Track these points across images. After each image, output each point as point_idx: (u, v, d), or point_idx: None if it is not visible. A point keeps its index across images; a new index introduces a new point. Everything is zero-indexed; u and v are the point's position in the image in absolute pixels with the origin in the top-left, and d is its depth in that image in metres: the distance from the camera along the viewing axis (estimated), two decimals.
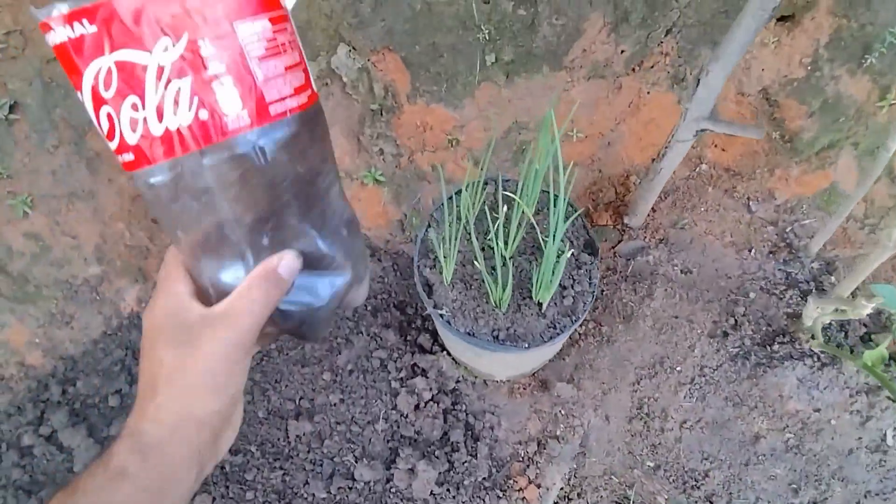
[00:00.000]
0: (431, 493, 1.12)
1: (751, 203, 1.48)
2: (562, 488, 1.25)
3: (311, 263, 0.41)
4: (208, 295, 0.41)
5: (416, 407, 1.22)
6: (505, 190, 1.13)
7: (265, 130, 0.36)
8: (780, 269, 1.35)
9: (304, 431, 1.15)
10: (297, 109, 0.38)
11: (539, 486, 1.17)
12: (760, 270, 1.35)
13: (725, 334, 1.25)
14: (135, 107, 0.34)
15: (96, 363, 1.29)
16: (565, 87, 1.43)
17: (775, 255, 1.38)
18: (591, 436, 1.25)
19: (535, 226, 1.09)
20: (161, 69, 0.33)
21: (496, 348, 1.00)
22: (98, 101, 0.34)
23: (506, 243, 1.05)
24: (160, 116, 0.34)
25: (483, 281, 1.01)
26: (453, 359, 1.29)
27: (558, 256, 1.04)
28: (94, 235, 1.38)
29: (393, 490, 1.13)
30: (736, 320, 1.26)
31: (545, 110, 1.45)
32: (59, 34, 0.33)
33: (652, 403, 1.25)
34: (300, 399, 1.20)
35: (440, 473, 1.14)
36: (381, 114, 1.43)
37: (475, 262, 1.00)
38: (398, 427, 1.20)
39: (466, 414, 1.25)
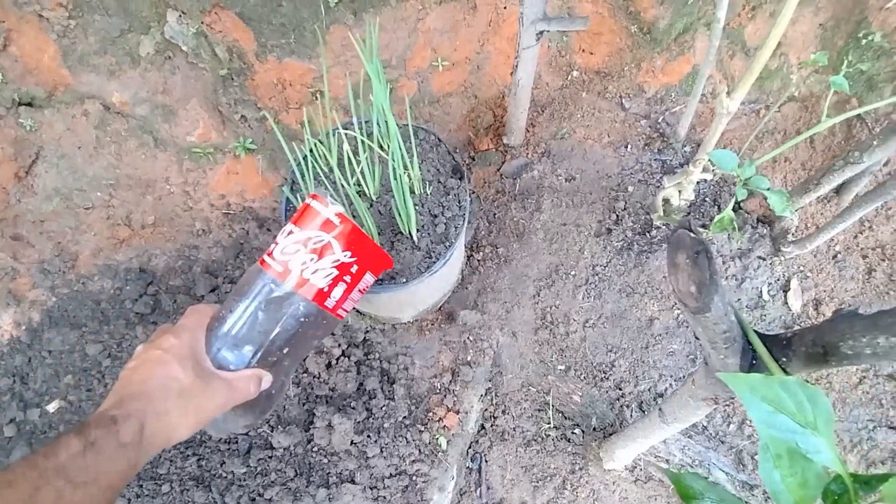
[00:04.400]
0: (352, 442, 1.13)
1: (623, 101, 1.50)
2: (486, 409, 1.30)
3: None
4: (207, 353, 0.58)
5: (328, 366, 1.22)
6: (362, 132, 1.09)
7: (328, 315, 0.67)
8: (655, 160, 1.39)
9: None
10: (341, 317, 0.72)
11: (458, 412, 1.21)
12: (638, 164, 1.39)
13: (609, 231, 1.29)
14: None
15: None
16: (418, 16, 1.39)
17: (650, 147, 1.41)
18: (502, 354, 1.29)
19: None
20: (337, 260, 0.67)
21: (377, 290, 1.00)
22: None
23: (363, 184, 1.03)
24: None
25: None
26: (358, 311, 1.28)
27: (425, 189, 1.04)
28: None
29: (315, 449, 1.14)
30: (617, 216, 1.29)
31: (403, 43, 1.41)
32: (327, 211, 0.65)
33: (554, 311, 1.29)
34: None
35: (358, 422, 1.15)
36: (233, 78, 1.36)
37: None
38: (312, 389, 1.20)
39: (380, 361, 1.26)
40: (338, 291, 0.67)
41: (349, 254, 0.67)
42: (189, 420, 0.52)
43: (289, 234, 0.65)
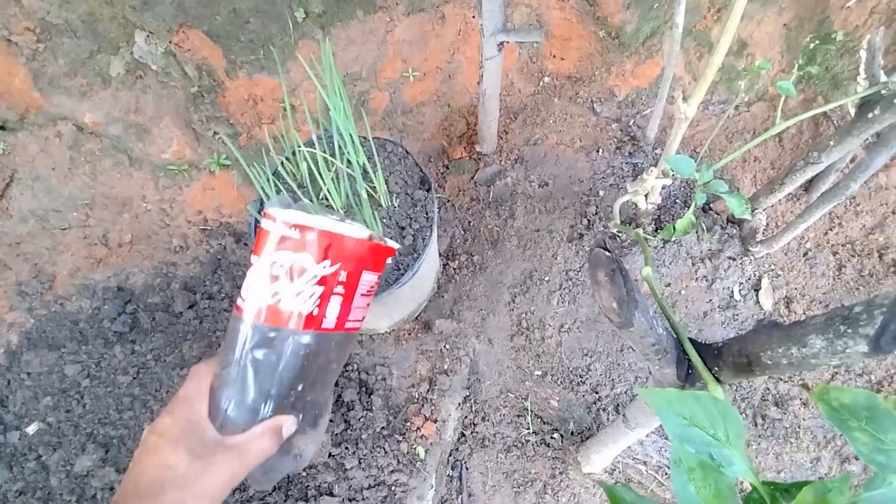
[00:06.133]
0: (330, 454, 1.14)
1: (595, 105, 1.51)
2: (466, 416, 1.30)
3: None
4: (214, 419, 0.52)
5: None
6: (325, 148, 1.10)
7: (333, 336, 0.58)
8: (627, 163, 1.40)
9: None
10: (354, 329, 0.61)
11: (435, 421, 1.21)
12: (609, 168, 1.40)
13: (581, 235, 1.30)
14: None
15: None
16: (387, 28, 1.40)
17: (621, 150, 1.43)
18: (479, 362, 1.29)
19: (365, 173, 1.07)
20: (315, 275, 0.54)
21: None
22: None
23: (329, 198, 1.04)
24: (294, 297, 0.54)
25: None
26: None
27: (392, 202, 1.05)
28: None
29: None
30: (589, 220, 1.30)
31: (373, 55, 1.42)
32: (276, 227, 0.53)
33: (529, 317, 1.30)
34: None
35: (336, 434, 1.16)
36: (204, 95, 1.36)
37: None
38: None
39: (358, 372, 1.27)
40: (333, 308, 0.58)
41: (328, 262, 0.56)
42: None
43: (250, 266, 0.57)
